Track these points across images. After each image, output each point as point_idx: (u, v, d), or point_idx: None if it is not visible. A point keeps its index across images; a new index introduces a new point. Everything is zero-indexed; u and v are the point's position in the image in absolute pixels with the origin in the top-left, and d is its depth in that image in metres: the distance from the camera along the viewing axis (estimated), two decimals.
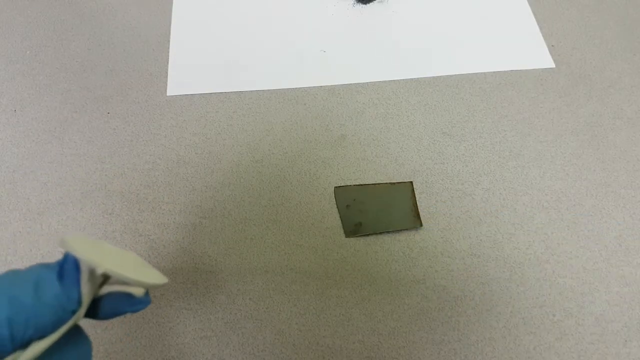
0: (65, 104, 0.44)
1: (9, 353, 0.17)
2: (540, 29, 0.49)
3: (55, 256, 0.37)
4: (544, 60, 0.47)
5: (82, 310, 0.19)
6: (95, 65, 0.47)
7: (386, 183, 0.39)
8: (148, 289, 0.21)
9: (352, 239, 0.37)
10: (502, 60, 0.47)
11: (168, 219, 0.38)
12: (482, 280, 0.36)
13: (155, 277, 0.22)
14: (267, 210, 0.39)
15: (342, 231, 0.38)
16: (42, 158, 0.41)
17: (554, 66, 0.46)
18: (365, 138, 0.42)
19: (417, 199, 0.39)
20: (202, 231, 0.38)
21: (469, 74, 0.46)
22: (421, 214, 0.38)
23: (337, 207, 0.38)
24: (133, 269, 0.21)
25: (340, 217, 0.38)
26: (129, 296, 0.21)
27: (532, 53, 0.47)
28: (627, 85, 0.45)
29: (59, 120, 0.43)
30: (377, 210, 0.38)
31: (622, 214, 0.38)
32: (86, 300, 0.19)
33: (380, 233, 0.37)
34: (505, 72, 0.46)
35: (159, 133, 0.42)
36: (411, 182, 0.39)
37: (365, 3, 0.50)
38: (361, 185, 0.39)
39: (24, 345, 0.17)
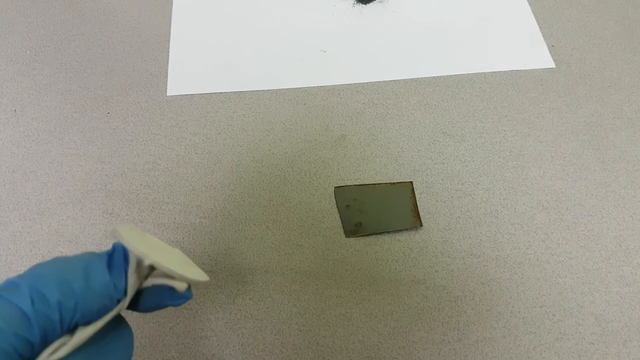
0: (65, 104, 0.44)
1: (58, 337, 0.17)
2: (540, 29, 0.49)
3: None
4: (544, 60, 0.47)
5: (127, 300, 0.19)
6: (95, 65, 0.47)
7: (386, 183, 0.39)
8: (190, 285, 0.22)
9: (352, 239, 0.37)
10: (502, 60, 0.47)
11: (168, 219, 0.38)
12: (482, 280, 0.36)
13: (198, 274, 0.22)
14: (267, 210, 0.39)
15: (342, 231, 0.38)
16: (42, 158, 0.41)
17: (554, 66, 0.46)
18: (365, 138, 0.42)
19: (417, 199, 0.39)
20: (202, 231, 0.38)
21: (469, 74, 0.46)
22: (421, 214, 0.38)
23: (337, 207, 0.38)
24: (178, 264, 0.21)
25: (340, 217, 0.38)
26: (171, 290, 0.21)
27: (532, 53, 0.47)
28: (627, 85, 0.45)
29: (59, 120, 0.43)
30: (377, 210, 0.38)
31: (622, 214, 0.38)
32: (131, 290, 0.19)
33: (380, 233, 0.37)
34: (505, 72, 0.46)
35: (159, 133, 0.42)
36: (411, 182, 0.39)
37: (365, 3, 0.50)
38: (361, 185, 0.39)
39: (71, 330, 0.18)
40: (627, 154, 0.41)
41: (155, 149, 0.42)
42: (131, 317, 0.34)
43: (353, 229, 0.37)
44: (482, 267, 0.36)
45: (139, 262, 0.19)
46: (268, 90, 0.45)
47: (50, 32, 0.49)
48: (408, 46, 0.48)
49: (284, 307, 0.35)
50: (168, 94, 0.45)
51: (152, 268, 0.20)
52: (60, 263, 0.18)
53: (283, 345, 0.34)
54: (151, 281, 0.20)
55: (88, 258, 0.19)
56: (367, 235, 0.37)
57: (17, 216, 0.38)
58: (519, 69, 0.46)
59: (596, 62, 0.47)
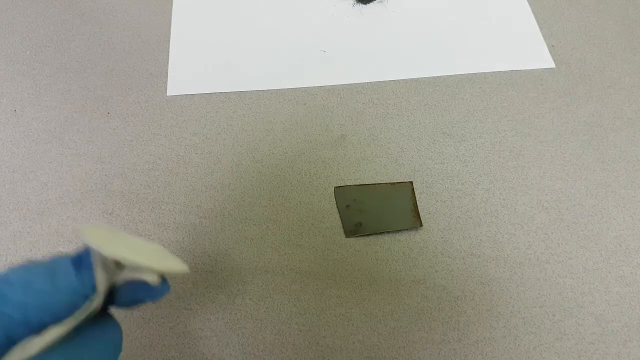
0: (65, 104, 0.44)
1: (25, 336, 0.17)
2: (540, 29, 0.49)
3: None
4: (544, 60, 0.47)
5: (99, 296, 0.19)
6: (95, 65, 0.47)
7: (386, 183, 0.39)
8: (166, 277, 0.21)
9: (352, 239, 0.37)
10: (502, 60, 0.47)
11: (168, 219, 0.38)
12: (482, 280, 0.36)
13: (173, 266, 0.21)
14: (267, 210, 0.39)
15: (342, 231, 0.38)
16: (42, 158, 0.41)
17: (554, 66, 0.46)
18: (365, 138, 0.42)
19: (417, 199, 0.39)
20: (202, 231, 0.38)
21: (469, 74, 0.46)
22: (421, 214, 0.38)
23: (337, 207, 0.38)
24: (147, 257, 0.20)
25: (340, 217, 0.38)
26: (146, 284, 0.20)
27: (532, 53, 0.47)
28: (627, 85, 0.45)
29: (59, 120, 0.43)
30: (377, 210, 0.38)
31: (622, 214, 0.38)
32: (101, 287, 0.19)
33: (380, 233, 0.37)
34: (505, 72, 0.46)
35: (159, 133, 0.42)
36: (411, 182, 0.39)
37: (365, 3, 0.50)
38: (361, 185, 0.39)
39: (40, 330, 0.18)
40: (627, 154, 0.41)
41: (155, 149, 0.42)
42: (131, 317, 0.35)
43: (353, 229, 0.37)
44: (482, 267, 0.36)
45: (104, 258, 0.19)
46: (268, 90, 0.45)
47: (50, 32, 0.49)
48: (408, 46, 0.48)
49: (284, 307, 0.35)
50: (168, 94, 0.45)
51: (121, 264, 0.20)
52: (26, 266, 0.19)
53: (283, 345, 0.34)
54: (122, 276, 0.20)
55: (55, 259, 0.19)
56: (367, 235, 0.37)
57: (17, 216, 0.38)
58: (519, 69, 0.46)
59: (596, 62, 0.47)
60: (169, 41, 0.48)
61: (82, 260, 0.19)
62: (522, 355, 0.33)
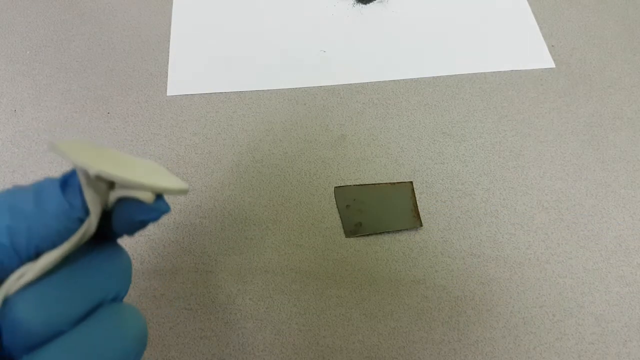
0: (65, 104, 0.44)
1: (16, 265, 0.16)
2: (540, 29, 0.49)
3: None
4: (544, 60, 0.47)
5: (93, 218, 0.17)
6: (95, 65, 0.47)
7: (386, 183, 0.39)
8: (162, 195, 0.19)
9: (352, 239, 0.37)
10: (502, 60, 0.47)
11: (168, 219, 0.38)
12: (482, 280, 0.36)
13: (168, 183, 0.19)
14: (267, 210, 0.39)
15: (342, 231, 0.38)
16: (42, 158, 0.41)
17: (554, 66, 0.46)
18: (365, 138, 0.42)
19: (417, 199, 0.39)
20: (202, 231, 0.38)
21: (469, 74, 0.46)
22: (421, 214, 0.38)
23: (337, 207, 0.38)
24: (138, 173, 0.18)
25: (340, 217, 0.38)
26: (141, 204, 0.18)
27: (532, 53, 0.47)
28: (627, 85, 0.45)
29: (59, 120, 0.43)
30: (377, 210, 0.38)
31: (622, 214, 0.38)
32: (93, 207, 0.17)
33: (380, 233, 0.37)
34: (505, 72, 0.46)
35: (159, 133, 0.42)
36: (411, 182, 0.39)
37: (365, 3, 0.50)
38: (361, 185, 0.39)
39: (34, 257, 0.16)
40: (627, 154, 0.41)
41: (155, 149, 0.42)
42: None
43: (353, 229, 0.37)
44: (482, 267, 0.36)
45: (90, 176, 0.17)
46: (268, 90, 0.45)
47: (50, 32, 0.49)
48: (408, 46, 0.48)
49: (284, 307, 0.35)
50: (168, 94, 0.45)
51: (110, 182, 0.18)
52: (12, 189, 0.17)
53: (283, 345, 0.34)
54: (113, 195, 0.18)
55: (41, 182, 0.18)
56: (367, 235, 0.37)
57: None
58: (519, 69, 0.46)
59: (596, 62, 0.47)
60: (169, 41, 0.48)
61: (67, 181, 0.18)
62: (522, 355, 0.33)
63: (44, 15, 0.50)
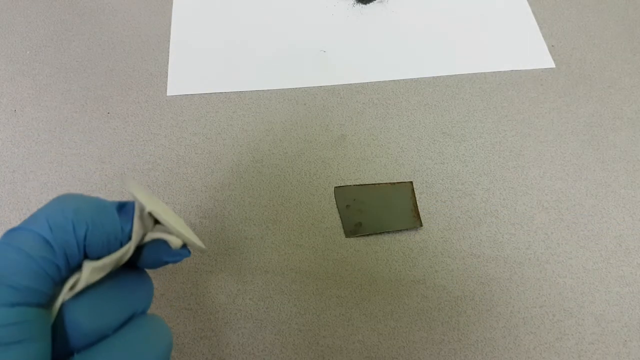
0: (65, 104, 0.44)
1: (77, 260, 0.18)
2: (540, 29, 0.49)
3: None
4: (544, 60, 0.47)
5: (132, 245, 0.20)
6: (95, 65, 0.47)
7: (386, 183, 0.39)
8: (188, 246, 0.23)
9: (352, 239, 0.37)
10: (502, 60, 0.47)
11: None
12: (482, 280, 0.36)
13: (195, 239, 0.23)
14: (267, 210, 0.39)
15: (342, 231, 0.38)
16: (42, 158, 0.41)
17: (554, 66, 0.46)
18: (365, 138, 0.42)
19: (417, 199, 0.39)
20: (202, 231, 0.38)
21: (469, 74, 0.46)
22: (421, 214, 0.38)
23: (337, 207, 0.38)
24: (179, 225, 0.22)
25: (340, 217, 0.38)
26: (168, 246, 0.22)
27: (532, 53, 0.47)
28: (627, 85, 0.45)
29: (59, 120, 0.43)
30: (377, 210, 0.38)
31: (622, 214, 0.38)
32: (135, 236, 0.20)
33: (380, 233, 0.37)
34: (505, 72, 0.46)
35: (159, 133, 0.42)
36: (411, 182, 0.39)
37: (365, 3, 0.50)
38: (361, 185, 0.39)
39: (77, 268, 0.19)
40: (627, 154, 0.41)
41: (155, 149, 0.42)
42: None
43: (353, 229, 0.37)
44: (482, 267, 0.36)
45: (143, 211, 0.21)
46: (268, 90, 0.45)
47: (50, 32, 0.49)
48: (408, 46, 0.48)
49: (284, 307, 0.35)
50: (168, 94, 0.45)
51: (154, 223, 0.22)
52: (76, 196, 0.20)
53: (283, 345, 0.34)
54: (151, 235, 0.21)
55: (101, 199, 0.20)
56: (367, 235, 0.37)
57: (17, 216, 0.38)
58: (519, 69, 0.46)
59: (596, 62, 0.47)
60: (169, 41, 0.48)
61: (125, 207, 0.20)
62: (522, 355, 0.33)
63: (44, 15, 0.50)
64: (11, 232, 0.19)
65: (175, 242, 0.22)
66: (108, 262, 0.19)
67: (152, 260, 0.22)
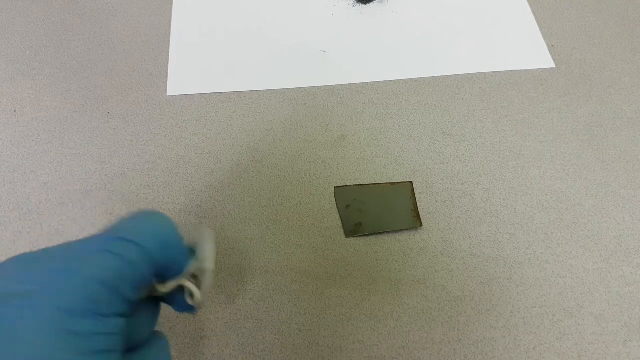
0: (65, 104, 0.44)
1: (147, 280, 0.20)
2: (540, 29, 0.49)
3: None
4: (544, 60, 0.47)
5: (172, 284, 0.22)
6: (95, 65, 0.47)
7: (386, 183, 0.39)
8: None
9: (352, 239, 0.37)
10: (502, 60, 0.47)
11: None
12: (482, 280, 0.36)
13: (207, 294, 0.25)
14: (267, 210, 0.39)
15: (342, 231, 0.38)
16: (42, 158, 0.41)
17: (554, 66, 0.46)
18: (365, 138, 0.42)
19: (417, 199, 0.39)
20: None
21: (469, 74, 0.46)
22: (421, 214, 0.38)
23: (337, 207, 0.38)
24: (211, 283, 0.24)
25: (340, 217, 0.38)
26: (183, 297, 0.23)
27: (532, 53, 0.47)
28: (627, 85, 0.45)
29: (59, 120, 0.43)
30: (377, 210, 0.38)
31: (622, 214, 0.38)
32: (186, 274, 0.23)
33: (380, 233, 0.37)
34: (505, 72, 0.46)
35: (159, 133, 0.42)
36: (411, 182, 0.39)
37: (365, 3, 0.50)
38: (361, 185, 0.39)
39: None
40: (627, 154, 0.41)
41: (155, 149, 0.42)
42: None
43: (353, 229, 0.37)
44: (482, 267, 0.36)
45: (200, 262, 0.23)
46: (268, 90, 0.45)
47: (50, 32, 0.49)
48: (408, 46, 0.48)
49: (284, 307, 0.35)
50: (168, 94, 0.45)
51: (202, 272, 0.23)
52: (166, 217, 0.22)
53: (283, 345, 0.34)
54: (184, 282, 0.23)
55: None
56: (367, 235, 0.37)
57: (17, 216, 0.38)
58: (519, 69, 0.46)
59: (596, 62, 0.47)
60: (169, 41, 0.48)
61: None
62: (522, 355, 0.33)
63: (44, 15, 0.50)
64: (117, 240, 0.19)
65: (198, 300, 0.23)
66: (175, 284, 0.22)
67: (176, 304, 0.24)
